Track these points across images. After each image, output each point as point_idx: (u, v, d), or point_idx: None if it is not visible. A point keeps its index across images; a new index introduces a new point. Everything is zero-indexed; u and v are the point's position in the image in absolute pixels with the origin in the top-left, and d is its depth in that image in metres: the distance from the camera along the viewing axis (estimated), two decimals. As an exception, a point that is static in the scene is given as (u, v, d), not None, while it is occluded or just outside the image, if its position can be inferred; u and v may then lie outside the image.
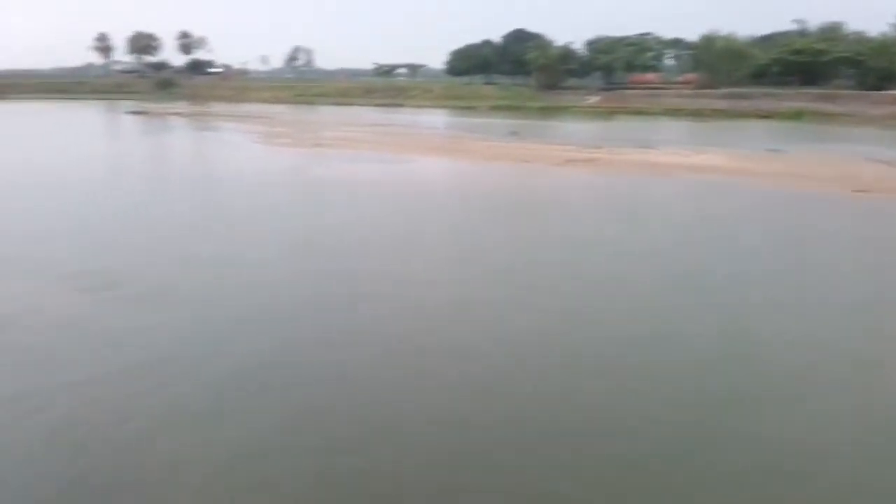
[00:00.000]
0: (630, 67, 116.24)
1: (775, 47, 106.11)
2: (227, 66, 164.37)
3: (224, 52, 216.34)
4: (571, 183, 30.68)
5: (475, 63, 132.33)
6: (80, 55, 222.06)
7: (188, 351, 11.00)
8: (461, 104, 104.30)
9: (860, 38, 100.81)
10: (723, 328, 12.34)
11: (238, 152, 42.43)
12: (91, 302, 13.19)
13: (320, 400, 9.49)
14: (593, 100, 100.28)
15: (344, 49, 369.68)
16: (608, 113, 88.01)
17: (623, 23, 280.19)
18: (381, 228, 20.44)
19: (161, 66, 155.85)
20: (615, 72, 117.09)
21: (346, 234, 19.40)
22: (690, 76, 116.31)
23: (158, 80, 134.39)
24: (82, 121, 72.32)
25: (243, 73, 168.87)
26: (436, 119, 78.61)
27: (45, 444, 8.21)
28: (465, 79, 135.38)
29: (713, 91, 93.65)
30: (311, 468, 7.88)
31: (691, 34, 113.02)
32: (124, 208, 23.39)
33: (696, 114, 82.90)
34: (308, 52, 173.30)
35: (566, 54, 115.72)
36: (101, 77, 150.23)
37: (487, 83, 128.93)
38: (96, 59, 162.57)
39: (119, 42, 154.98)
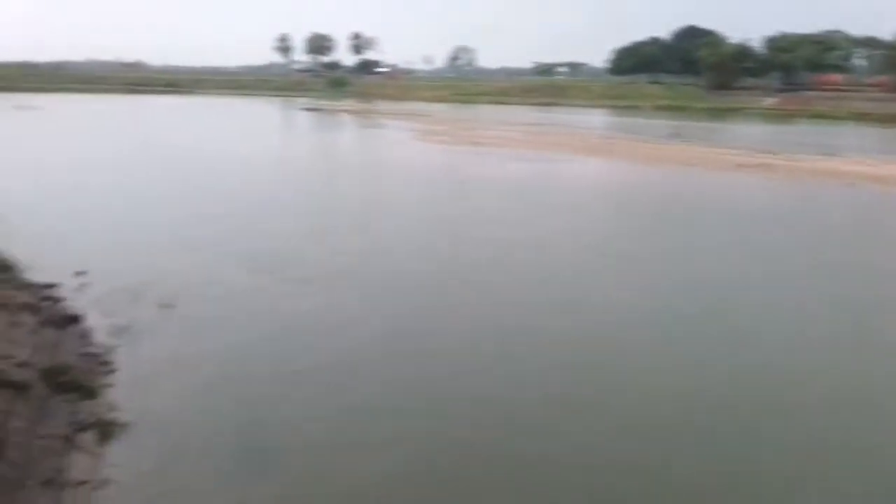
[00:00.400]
0: (813, 67, 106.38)
1: None
2: (393, 66, 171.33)
3: (392, 52, 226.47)
4: (741, 190, 28.56)
5: (640, 61, 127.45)
6: (263, 55, 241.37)
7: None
8: (623, 104, 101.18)
9: None
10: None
11: (399, 148, 44.04)
12: (269, 282, 14.23)
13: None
14: (770, 101, 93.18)
15: (505, 48, 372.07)
16: (786, 116, 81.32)
17: (807, 20, 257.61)
18: (527, 228, 20.22)
19: (334, 66, 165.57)
20: (796, 71, 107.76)
21: (484, 227, 19.44)
22: (883, 79, 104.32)
23: (331, 79, 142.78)
24: (262, 115, 78.45)
25: (408, 73, 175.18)
26: (595, 119, 76.82)
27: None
28: (629, 78, 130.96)
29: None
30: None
31: (886, 33, 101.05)
32: (295, 197, 25.03)
33: (888, 119, 74.30)
34: (470, 51, 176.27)
35: (741, 52, 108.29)
36: (281, 75, 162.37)
37: (653, 82, 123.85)
38: (278, 58, 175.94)
39: (298, 43, 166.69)
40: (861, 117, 77.04)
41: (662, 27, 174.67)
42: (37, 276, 12.98)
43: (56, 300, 11.94)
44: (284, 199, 24.52)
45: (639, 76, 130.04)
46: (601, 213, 23.32)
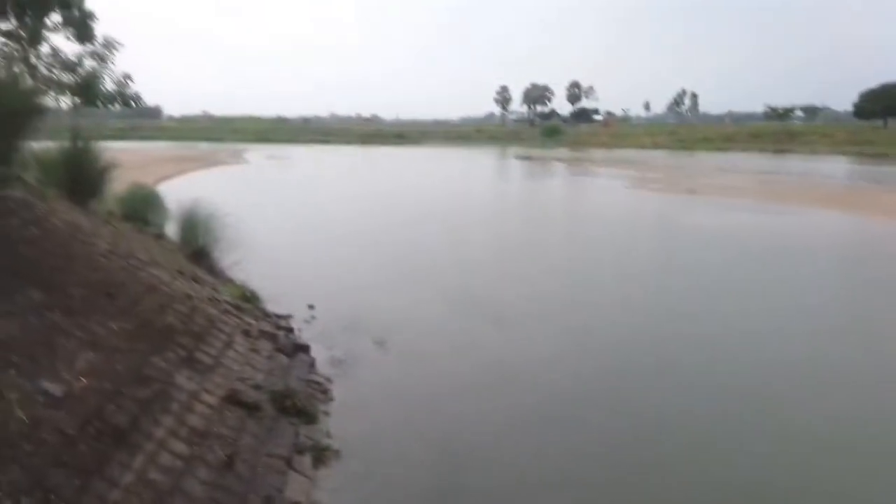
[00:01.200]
0: None
1: None
2: (609, 113, 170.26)
3: (609, 99, 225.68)
4: None
5: (893, 104, 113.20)
6: (483, 106, 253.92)
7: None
8: (870, 150, 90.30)
9: None
10: None
11: (607, 196, 43.32)
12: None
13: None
14: None
15: (732, 91, 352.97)
16: None
17: None
18: (736, 293, 18.64)
19: (550, 115, 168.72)
20: None
21: (678, 286, 18.20)
22: None
23: (545, 128, 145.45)
24: (476, 163, 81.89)
25: (625, 120, 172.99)
26: (835, 167, 69.27)
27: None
28: (878, 122, 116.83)
29: None
30: None
31: None
32: (500, 241, 25.67)
33: None
34: (693, 95, 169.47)
35: None
36: (499, 126, 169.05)
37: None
38: (496, 109, 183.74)
39: (517, 94, 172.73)
40: None
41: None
42: (276, 307, 14.60)
43: (289, 329, 13.28)
44: (489, 245, 25.17)
45: (890, 120, 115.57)
46: (833, 281, 20.79)
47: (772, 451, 9.01)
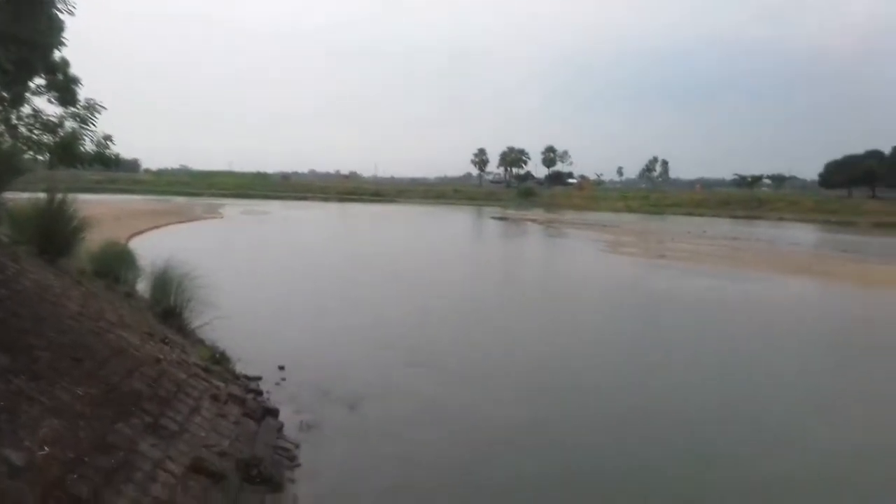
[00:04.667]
0: None
1: None
2: (583, 177, 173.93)
3: (583, 163, 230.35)
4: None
5: (856, 175, 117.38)
6: (460, 166, 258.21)
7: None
8: (835, 219, 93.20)
9: None
10: None
11: (583, 259, 43.93)
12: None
13: None
14: None
15: (702, 158, 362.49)
16: None
17: None
18: (703, 359, 18.92)
19: (525, 177, 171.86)
20: None
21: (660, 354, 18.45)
22: None
23: (521, 190, 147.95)
24: (453, 223, 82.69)
25: (598, 184, 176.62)
26: (801, 234, 71.19)
27: None
28: (842, 192, 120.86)
29: None
30: None
31: None
32: (483, 305, 25.81)
33: None
34: (664, 162, 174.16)
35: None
36: (475, 186, 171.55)
37: (871, 197, 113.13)
38: (473, 170, 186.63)
39: (493, 156, 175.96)
40: None
41: (883, 140, 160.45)
42: (246, 367, 14.44)
43: (258, 392, 13.13)
44: (470, 307, 25.22)
45: (853, 190, 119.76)
46: (806, 344, 21.21)
47: None
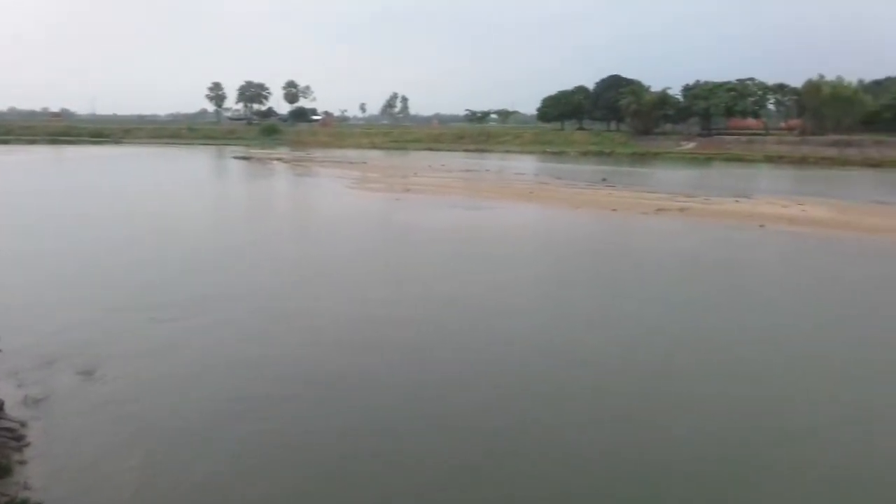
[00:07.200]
0: (729, 113, 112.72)
1: (887, 93, 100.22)
2: (327, 113, 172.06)
3: (326, 99, 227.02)
4: (658, 234, 29.78)
5: (567, 109, 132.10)
6: (195, 103, 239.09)
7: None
8: (551, 149, 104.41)
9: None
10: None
11: (332, 197, 44.08)
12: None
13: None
14: (689, 146, 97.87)
15: (438, 96, 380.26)
16: (705, 159, 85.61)
17: (722, 68, 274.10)
18: (455, 277, 20.54)
19: (268, 114, 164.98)
20: (713, 117, 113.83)
21: (413, 278, 19.70)
22: (794, 122, 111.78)
23: (264, 127, 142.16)
24: (191, 163, 77.21)
25: (342, 120, 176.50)
26: (525, 164, 78.85)
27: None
28: (556, 125, 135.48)
29: (819, 138, 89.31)
30: None
31: (796, 79, 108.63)
32: (226, 253, 24.67)
33: (800, 161, 79.35)
34: (404, 99, 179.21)
35: (662, 99, 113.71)
36: (213, 124, 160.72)
37: (579, 129, 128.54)
38: (210, 106, 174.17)
39: (231, 91, 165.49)
40: (774, 159, 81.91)
41: (589, 77, 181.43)
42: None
43: (-35, 372, 11.38)
44: (211, 255, 24.06)
45: (567, 123, 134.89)
46: (530, 258, 23.89)
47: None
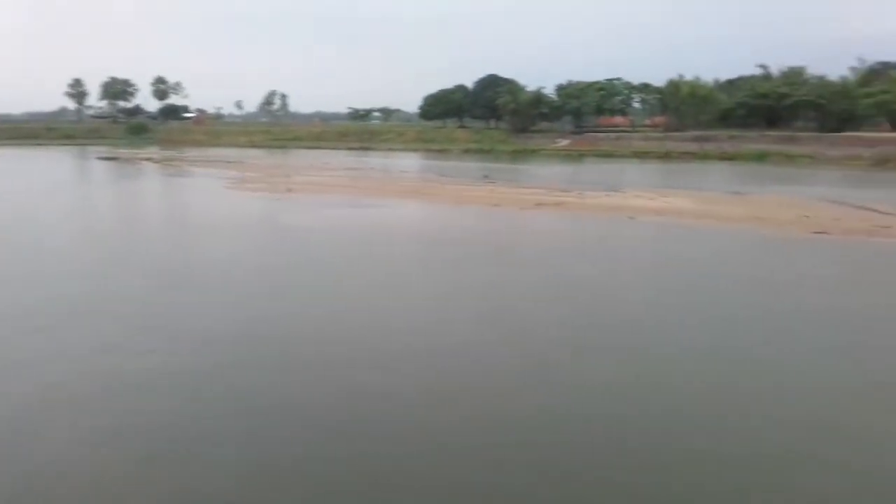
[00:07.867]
0: (599, 111, 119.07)
1: (740, 91, 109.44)
2: (200, 111, 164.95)
3: (199, 97, 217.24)
4: (538, 228, 31.07)
5: (448, 107, 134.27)
6: (53, 101, 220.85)
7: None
8: (434, 147, 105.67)
9: (821, 82, 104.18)
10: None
11: (206, 199, 42.38)
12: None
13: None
14: (564, 143, 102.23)
15: (319, 93, 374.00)
16: (578, 155, 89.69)
17: (593, 69, 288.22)
18: (346, 276, 20.45)
19: (135, 112, 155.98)
20: (585, 115, 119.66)
21: (299, 279, 19.42)
22: (658, 119, 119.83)
23: (131, 125, 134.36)
24: (46, 167, 71.65)
25: (217, 118, 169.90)
26: (409, 162, 79.33)
27: None
28: (438, 123, 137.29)
29: (680, 134, 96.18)
30: None
31: (659, 79, 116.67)
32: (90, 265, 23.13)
33: (664, 156, 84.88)
34: (283, 96, 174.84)
35: (537, 99, 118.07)
36: (74, 123, 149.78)
37: (460, 127, 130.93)
38: (70, 104, 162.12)
39: (93, 88, 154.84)
40: (642, 155, 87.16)
41: (472, 76, 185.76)
42: None
43: None
44: (51, 266, 22.54)
45: (447, 121, 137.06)
46: (417, 255, 24.17)
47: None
